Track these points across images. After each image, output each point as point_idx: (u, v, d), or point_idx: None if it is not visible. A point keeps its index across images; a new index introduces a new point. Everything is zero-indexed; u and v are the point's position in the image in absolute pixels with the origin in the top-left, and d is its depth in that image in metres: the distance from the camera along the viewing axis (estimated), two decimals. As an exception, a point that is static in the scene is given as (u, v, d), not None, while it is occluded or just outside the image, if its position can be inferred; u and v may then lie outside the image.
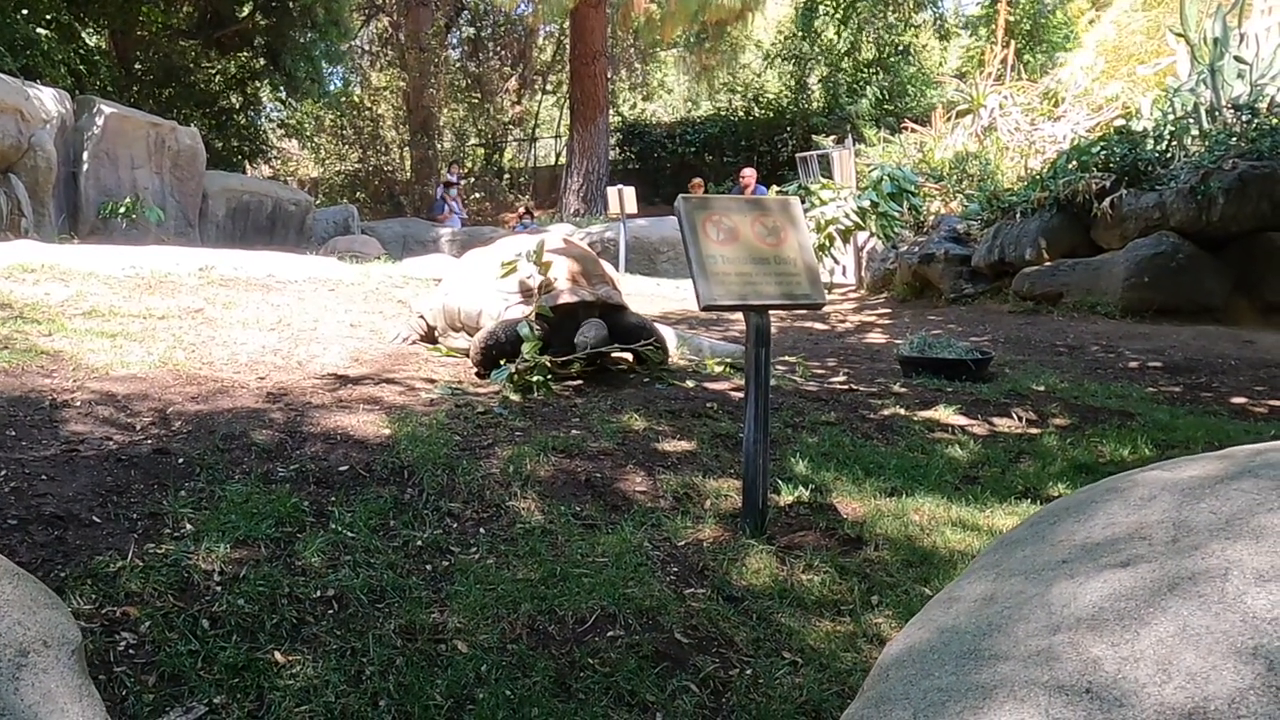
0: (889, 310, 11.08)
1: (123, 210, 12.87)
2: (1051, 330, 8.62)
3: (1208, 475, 1.36)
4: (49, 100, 12.17)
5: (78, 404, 4.06)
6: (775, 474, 4.03)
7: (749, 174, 16.72)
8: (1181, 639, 1.09)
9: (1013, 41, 17.17)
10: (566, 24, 23.85)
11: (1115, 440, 4.71)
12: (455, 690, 2.51)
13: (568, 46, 24.30)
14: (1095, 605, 1.16)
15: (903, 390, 5.70)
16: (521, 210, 21.89)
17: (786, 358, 6.67)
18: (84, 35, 17.30)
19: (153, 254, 8.19)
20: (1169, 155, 9.84)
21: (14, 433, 3.66)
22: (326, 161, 28.98)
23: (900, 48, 24.21)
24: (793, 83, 26.04)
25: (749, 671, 2.70)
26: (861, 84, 23.78)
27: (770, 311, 3.58)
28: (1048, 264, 10.07)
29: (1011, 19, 19.61)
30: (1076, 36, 20.64)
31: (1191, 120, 10.19)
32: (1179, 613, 1.11)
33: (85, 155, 12.98)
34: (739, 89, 27.55)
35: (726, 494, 3.82)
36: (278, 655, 2.55)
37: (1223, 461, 1.42)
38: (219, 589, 2.78)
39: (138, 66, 18.80)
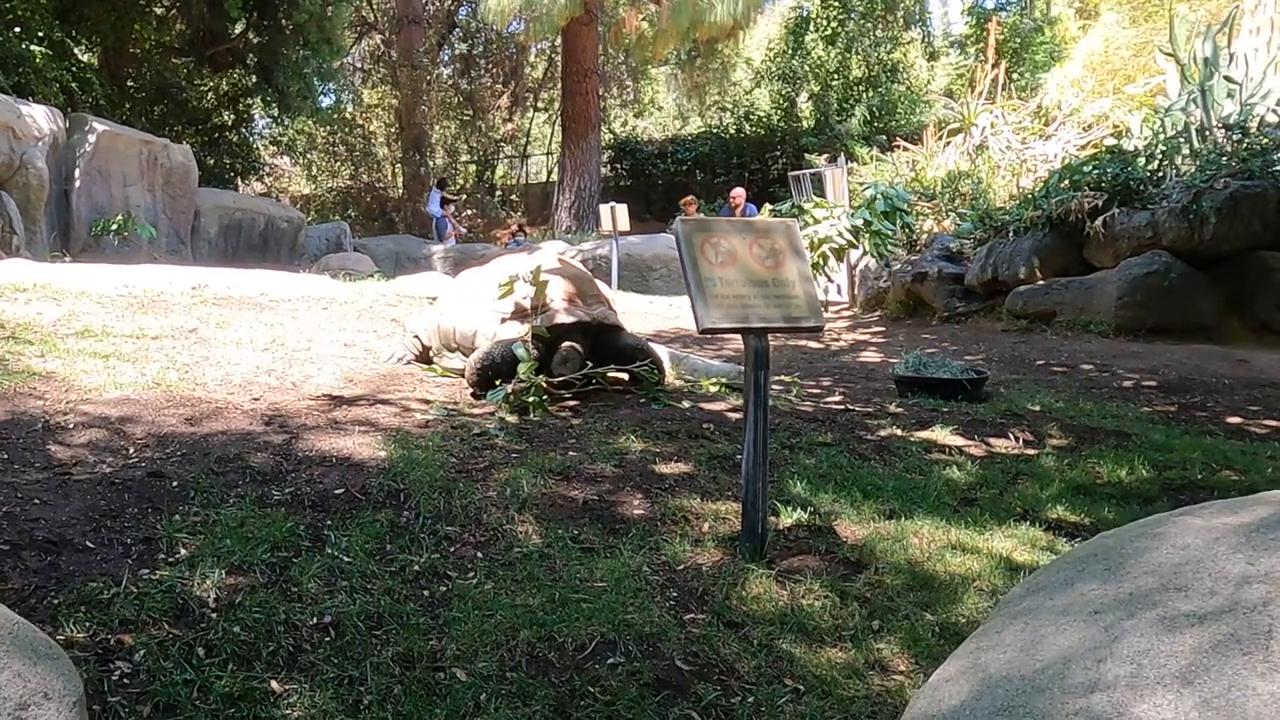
0: (883, 328, 11.08)
1: (114, 228, 12.84)
2: (1045, 349, 8.63)
3: (1242, 523, 1.33)
4: (41, 117, 12.15)
5: (70, 426, 4.03)
6: (773, 496, 4.00)
7: (739, 194, 16.79)
8: (1227, 700, 1.05)
9: (1003, 60, 17.25)
10: (558, 41, 23.93)
11: (1113, 461, 4.70)
12: (455, 720, 2.48)
13: (559, 64, 24.39)
14: (1134, 661, 1.13)
15: (899, 410, 5.69)
16: (514, 227, 21.90)
17: (782, 377, 6.65)
18: (76, 52, 17.26)
19: (145, 273, 8.15)
20: (1160, 174, 9.89)
21: (6, 455, 3.63)
22: (319, 178, 28.99)
23: (889, 66, 24.35)
24: (783, 101, 26.14)
25: (751, 699, 2.67)
26: (851, 102, 23.91)
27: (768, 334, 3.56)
28: (1041, 282, 10.09)
29: (1001, 37, 19.72)
30: (1064, 53, 20.77)
31: (1182, 139, 10.25)
32: (1223, 672, 1.07)
33: (77, 173, 12.96)
34: (730, 106, 27.68)
35: (725, 516, 3.79)
36: (274, 684, 2.51)
37: (1256, 507, 1.38)
38: (214, 616, 2.74)
39: (130, 84, 18.77)
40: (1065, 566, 1.42)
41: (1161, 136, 10.59)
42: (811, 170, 16.27)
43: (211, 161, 19.16)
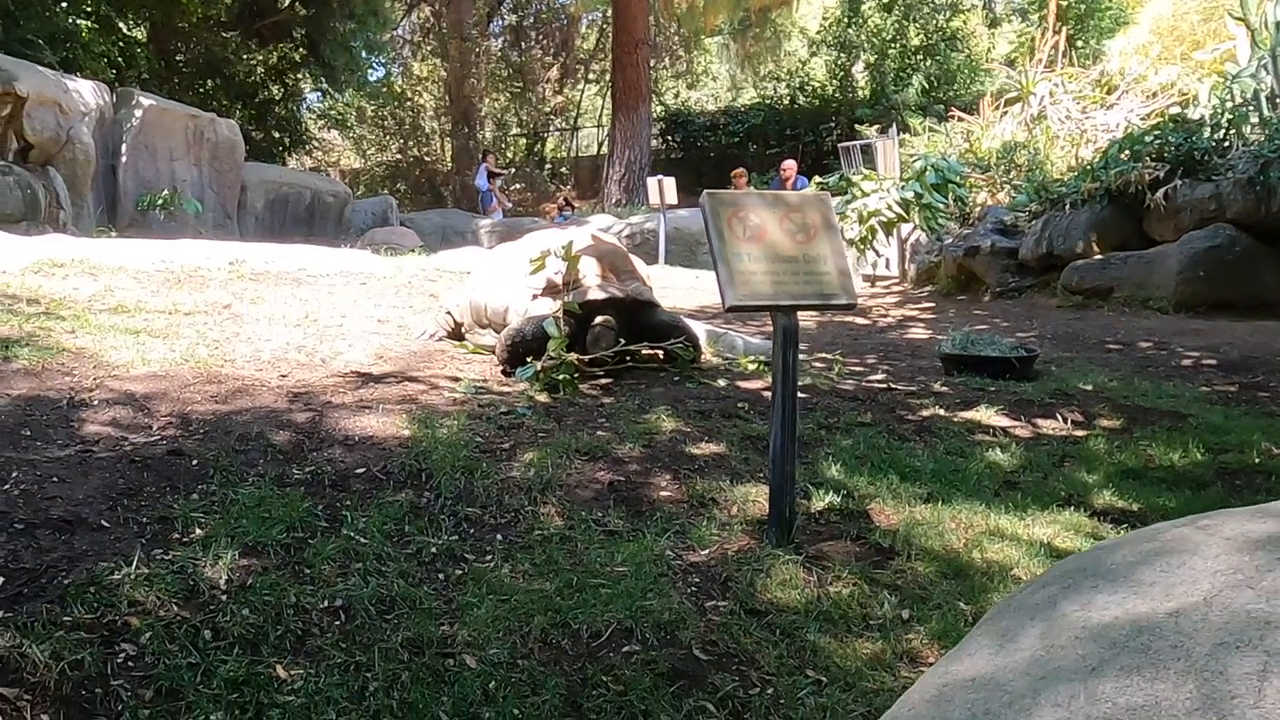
0: (932, 304, 10.84)
1: (161, 202, 12.96)
2: (1101, 326, 8.35)
3: (1270, 534, 1.15)
4: (87, 92, 12.24)
5: (95, 403, 4.00)
6: (806, 478, 3.89)
7: (789, 166, 16.46)
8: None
9: (1064, 27, 16.68)
10: (609, 11, 23.71)
11: (1165, 443, 4.49)
12: (461, 708, 2.42)
13: (610, 34, 24.15)
14: (1108, 700, 0.96)
15: (943, 389, 5.51)
16: (561, 201, 21.77)
17: (824, 355, 6.50)
18: (123, 27, 17.40)
19: (184, 248, 8.17)
20: (1226, 144, 9.50)
21: (29, 432, 3.61)
22: (368, 153, 29.13)
23: (948, 34, 23.72)
24: (839, 70, 25.60)
25: (770, 691, 2.57)
26: (909, 72, 23.33)
27: (799, 312, 3.42)
28: (1098, 257, 9.77)
29: (1064, 3, 19.10)
30: (1130, 18, 20.07)
31: (1251, 108, 9.82)
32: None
33: (124, 147, 13.07)
34: (783, 77, 27.15)
35: (755, 499, 3.68)
36: (279, 669, 2.47)
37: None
38: (224, 598, 2.70)
39: (178, 58, 18.93)
40: (1050, 582, 1.25)
41: (1228, 105, 10.15)
42: (862, 142, 15.94)
43: (259, 136, 19.29)
